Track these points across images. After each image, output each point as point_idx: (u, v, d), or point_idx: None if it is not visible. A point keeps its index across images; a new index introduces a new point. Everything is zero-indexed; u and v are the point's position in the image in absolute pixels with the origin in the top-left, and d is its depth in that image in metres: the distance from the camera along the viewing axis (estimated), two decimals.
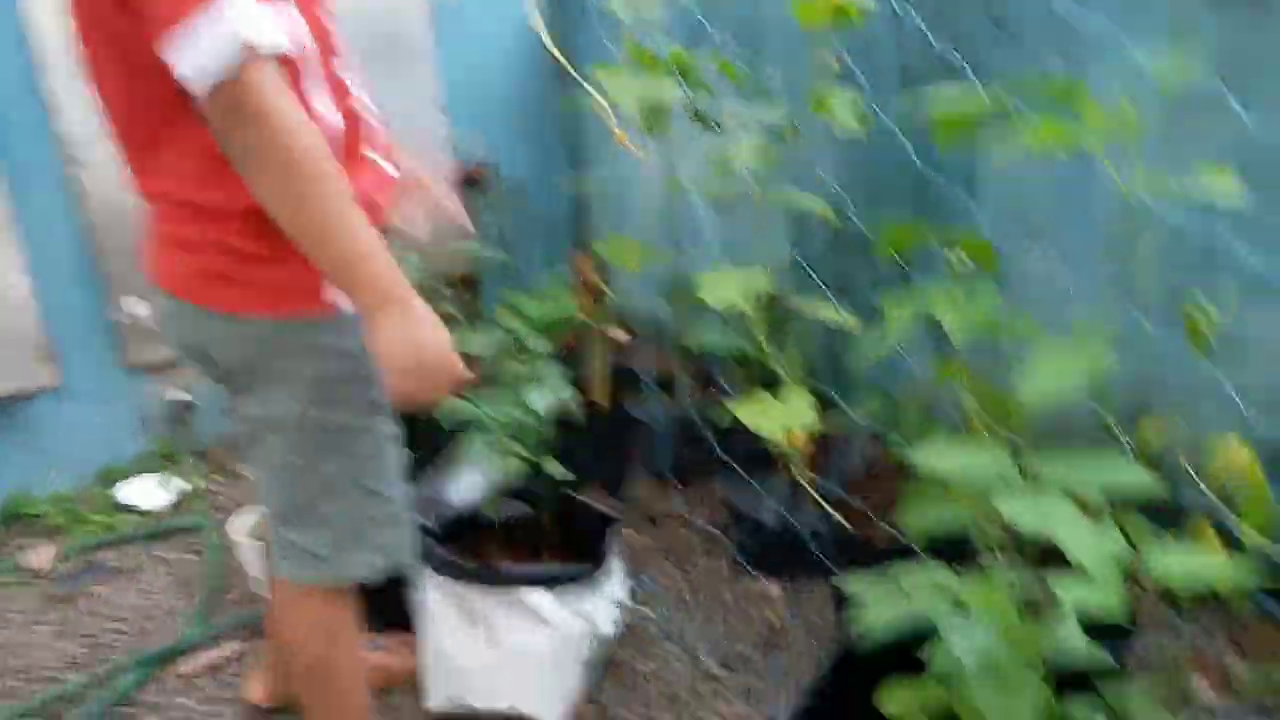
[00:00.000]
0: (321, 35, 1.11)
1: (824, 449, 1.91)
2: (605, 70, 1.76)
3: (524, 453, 1.51)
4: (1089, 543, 0.79)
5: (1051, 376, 1.03)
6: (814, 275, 1.78)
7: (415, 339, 1.04)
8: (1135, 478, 0.97)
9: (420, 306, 1.05)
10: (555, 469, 1.58)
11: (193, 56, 0.91)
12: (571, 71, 2.03)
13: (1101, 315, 1.13)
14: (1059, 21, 1.59)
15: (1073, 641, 0.80)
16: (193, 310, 1.15)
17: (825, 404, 1.82)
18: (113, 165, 1.17)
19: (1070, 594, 0.79)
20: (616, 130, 1.86)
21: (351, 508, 1.22)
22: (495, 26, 2.73)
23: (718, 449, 1.93)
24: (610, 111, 1.96)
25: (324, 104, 1.11)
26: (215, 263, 1.11)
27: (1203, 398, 1.46)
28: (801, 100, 1.66)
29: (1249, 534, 1.02)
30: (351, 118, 1.18)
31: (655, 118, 1.93)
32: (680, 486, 2.10)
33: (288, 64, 1.01)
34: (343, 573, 1.25)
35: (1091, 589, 0.74)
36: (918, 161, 1.67)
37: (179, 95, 0.95)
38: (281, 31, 0.96)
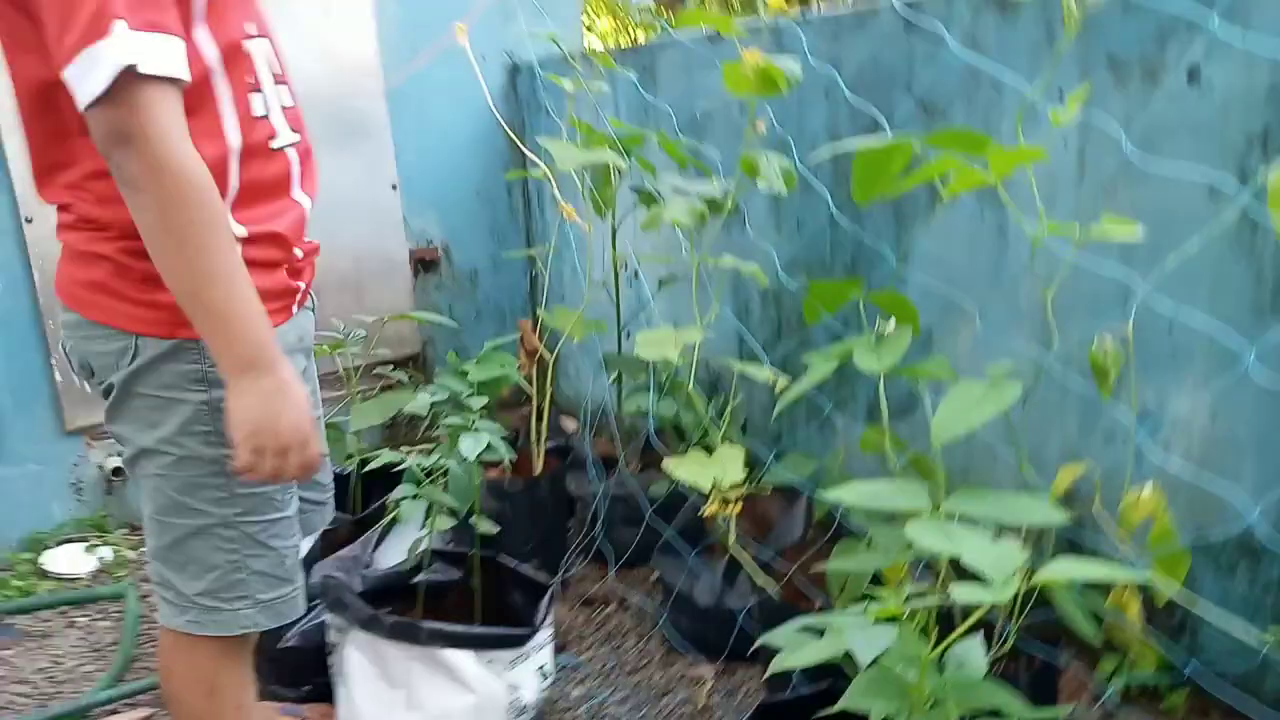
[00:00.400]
0: (242, 52, 1.10)
1: (762, 522, 1.91)
2: (551, 141, 1.81)
3: (454, 505, 1.49)
4: (990, 553, 0.80)
5: (963, 415, 1.05)
6: (750, 337, 1.81)
7: (272, 411, 1.00)
8: (1045, 516, 0.98)
9: (285, 377, 1.02)
10: (485, 525, 1.56)
11: (84, 78, 0.91)
12: (522, 146, 2.10)
13: (1018, 361, 1.16)
14: (977, 97, 1.68)
15: (972, 654, 0.79)
16: (83, 323, 1.11)
17: (758, 467, 1.84)
18: (47, 223, 1.17)
19: (968, 595, 0.79)
20: (563, 203, 1.91)
21: (229, 554, 1.15)
22: (451, 109, 2.80)
23: (654, 521, 1.92)
24: (557, 186, 2.01)
25: (235, 132, 1.08)
26: (104, 277, 1.08)
27: (1118, 442, 1.49)
28: (738, 173, 1.73)
29: (1160, 579, 1.03)
30: (289, 152, 1.17)
31: (601, 191, 1.99)
32: (617, 567, 2.07)
33: (189, 90, 0.99)
34: (218, 622, 1.16)
35: (988, 590, 0.74)
36: (844, 222, 1.72)
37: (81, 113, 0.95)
38: (174, 59, 0.95)
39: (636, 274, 2.48)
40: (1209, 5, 1.36)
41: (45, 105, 1.05)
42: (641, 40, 2.53)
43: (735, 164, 1.66)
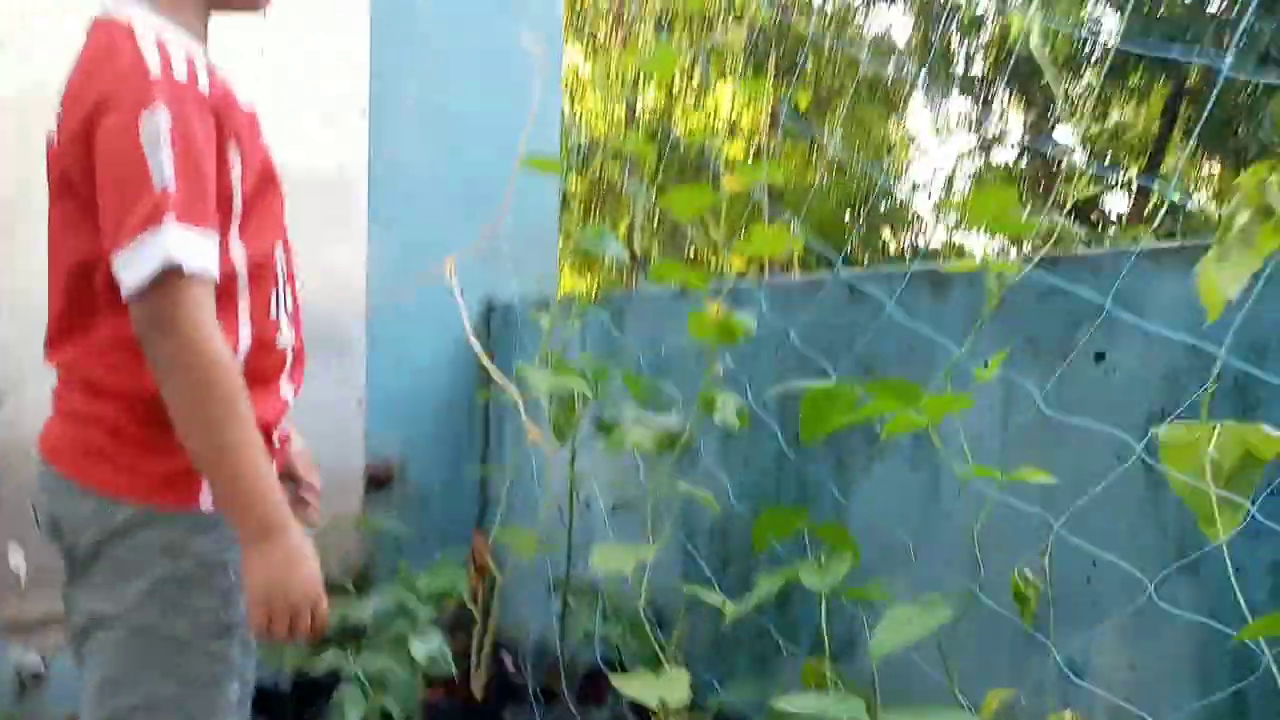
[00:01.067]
0: (269, 264, 1.22)
1: None
2: (527, 366, 1.96)
3: (395, 711, 1.48)
4: None
5: (898, 632, 1.14)
6: (701, 563, 1.88)
7: (287, 575, 1.07)
8: None
9: (296, 542, 1.09)
10: None
11: (131, 265, 1.02)
12: (494, 372, 2.23)
13: (949, 591, 1.25)
14: (911, 361, 1.87)
15: None
16: (59, 480, 1.15)
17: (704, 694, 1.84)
18: (11, 408, 1.24)
19: None
20: (530, 425, 2.02)
21: None
22: (427, 335, 2.96)
23: None
24: (524, 410, 2.14)
25: (247, 330, 1.18)
26: (97, 438, 1.13)
27: (1044, 671, 1.56)
28: (696, 409, 1.87)
29: None
30: (288, 349, 1.27)
31: (565, 418, 2.11)
32: None
33: (218, 288, 1.09)
34: None
35: None
36: (792, 458, 1.85)
37: (114, 288, 1.05)
38: (211, 257, 1.06)
39: (588, 505, 2.56)
40: (1114, 299, 1.58)
41: (81, 279, 1.15)
42: (614, 289, 2.77)
43: (693, 402, 1.81)
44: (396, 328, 2.93)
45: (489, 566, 2.07)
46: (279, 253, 1.27)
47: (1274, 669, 1.10)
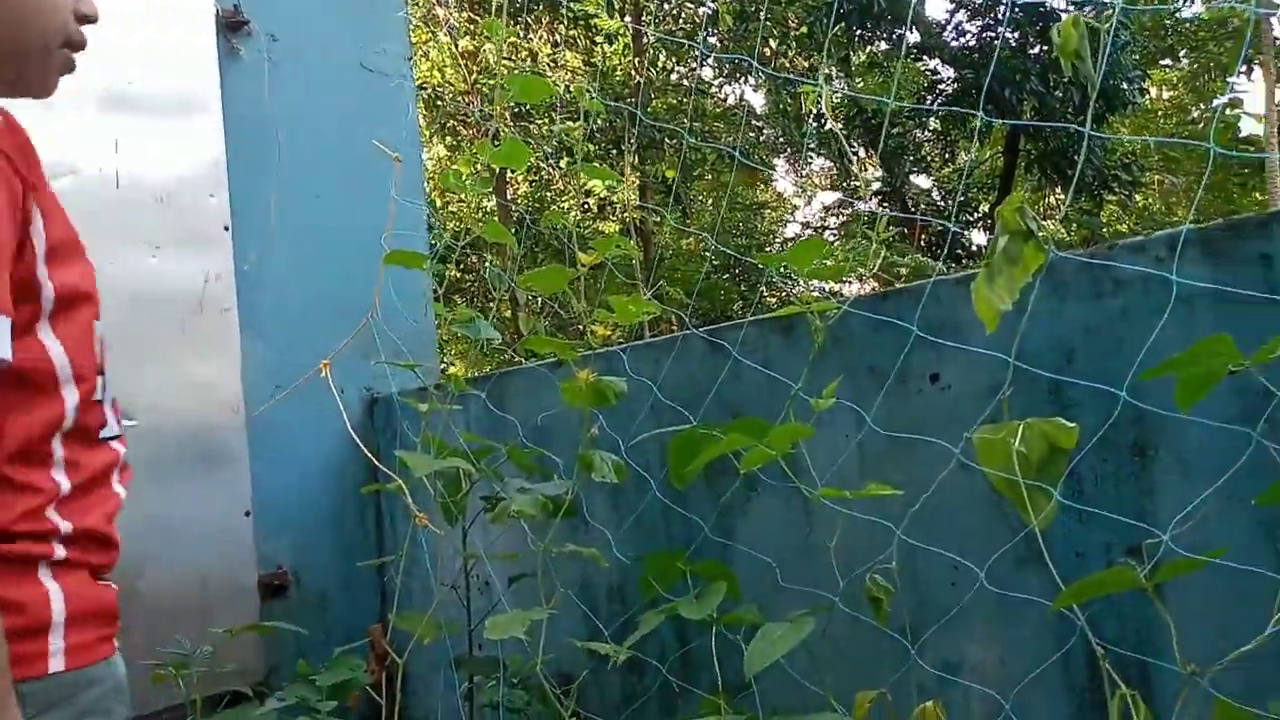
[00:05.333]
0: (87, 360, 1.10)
1: None
2: (406, 453, 2.00)
3: None
4: None
5: (769, 649, 1.23)
6: (599, 622, 1.93)
7: None
8: None
9: None
10: None
11: None
12: (378, 464, 2.27)
13: (819, 607, 1.35)
14: (771, 401, 1.99)
15: None
16: None
17: None
18: None
19: None
20: (416, 511, 2.06)
21: None
22: (310, 438, 2.97)
23: None
24: (410, 497, 2.17)
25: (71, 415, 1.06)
26: None
27: (921, 670, 1.66)
28: (577, 471, 1.95)
29: None
30: (113, 446, 1.16)
31: (452, 499, 2.16)
32: None
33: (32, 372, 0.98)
34: None
35: None
36: (676, 506, 1.94)
37: None
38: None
39: (487, 583, 2.59)
40: (939, 328, 1.75)
41: None
42: (491, 370, 2.84)
43: (575, 465, 1.89)
44: (279, 435, 2.93)
45: (388, 654, 2.08)
46: (98, 342, 1.15)
47: (1088, 632, 1.23)
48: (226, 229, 2.92)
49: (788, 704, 1.84)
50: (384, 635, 2.15)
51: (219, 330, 2.88)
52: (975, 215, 16.76)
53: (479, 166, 2.08)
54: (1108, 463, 1.58)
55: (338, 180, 3.16)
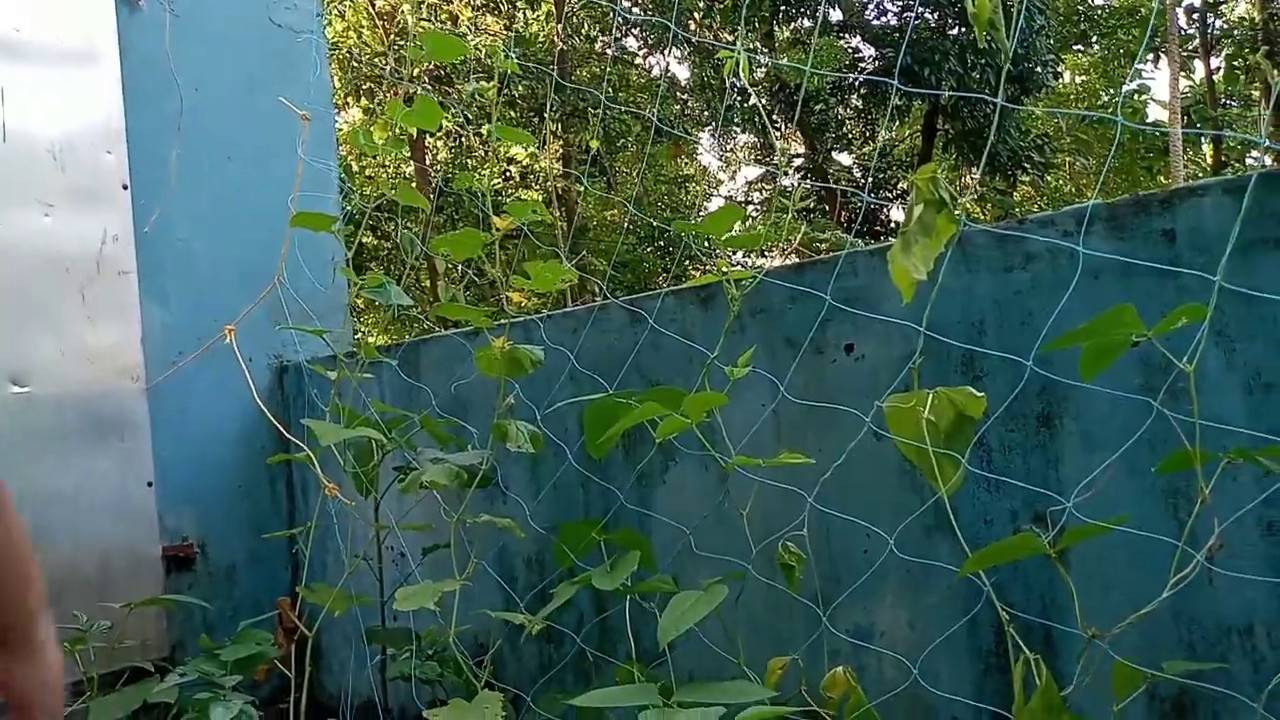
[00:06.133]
0: None
1: None
2: (314, 422, 1.94)
3: None
4: (702, 713, 0.94)
5: (682, 617, 1.22)
6: (514, 594, 1.91)
7: None
8: (756, 694, 1.14)
9: None
10: None
11: None
12: (287, 435, 2.21)
13: (735, 576, 1.35)
14: (689, 370, 1.99)
15: None
16: None
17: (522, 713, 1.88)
18: None
19: None
20: (325, 481, 2.01)
21: None
22: (215, 408, 2.87)
23: None
24: (320, 469, 2.11)
25: None
26: None
27: (834, 636, 1.69)
28: (492, 442, 1.92)
29: None
30: None
31: (363, 470, 2.11)
32: None
33: None
34: None
35: None
36: (595, 477, 1.92)
37: None
38: None
39: (403, 555, 2.55)
40: (855, 300, 1.75)
41: None
42: (406, 338, 2.78)
43: (490, 435, 1.86)
44: (183, 403, 2.82)
45: (297, 627, 2.03)
46: None
47: (994, 598, 1.26)
48: (125, 187, 2.79)
49: (702, 671, 1.85)
50: (293, 608, 2.10)
51: (117, 294, 2.75)
52: (894, 193, 17.08)
53: (395, 128, 2.01)
54: (1015, 433, 1.61)
55: (244, 139, 3.04)
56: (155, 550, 2.73)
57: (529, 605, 2.28)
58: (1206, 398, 1.29)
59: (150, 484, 2.74)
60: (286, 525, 2.98)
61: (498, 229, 1.87)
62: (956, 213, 1.17)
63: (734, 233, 1.53)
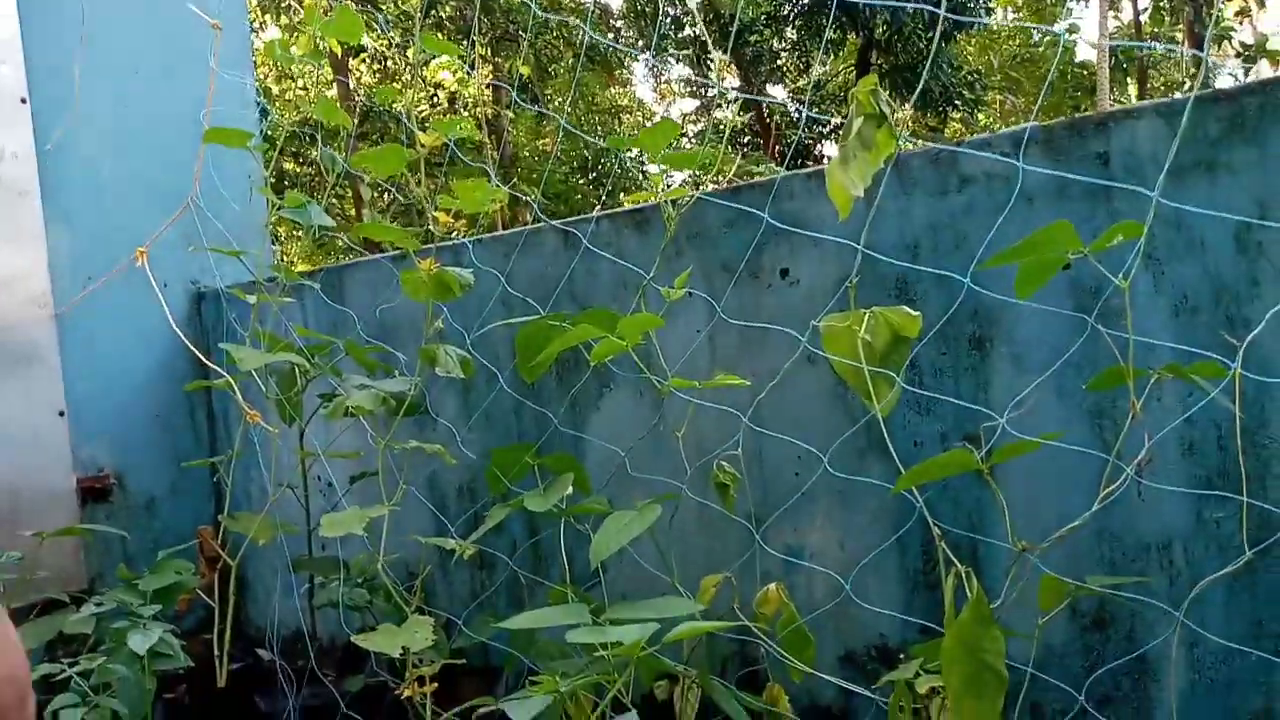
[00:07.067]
0: None
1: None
2: (233, 346, 1.87)
3: (122, 710, 1.40)
4: (629, 630, 0.92)
5: (615, 535, 1.21)
6: (446, 522, 1.88)
7: None
8: (686, 609, 1.13)
9: None
10: None
11: None
12: (206, 362, 2.12)
13: (671, 497, 1.34)
14: (623, 297, 1.96)
15: None
16: None
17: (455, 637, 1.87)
18: None
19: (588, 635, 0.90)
20: (246, 408, 1.94)
21: None
22: (130, 335, 2.75)
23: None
24: (240, 396, 2.04)
25: None
26: None
27: (767, 556, 1.71)
28: (421, 366, 1.87)
29: (791, 660, 1.20)
30: None
31: (287, 397, 2.04)
32: None
33: None
34: None
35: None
36: (529, 403, 1.89)
37: None
38: None
39: (330, 485, 2.49)
40: (790, 223, 1.73)
41: None
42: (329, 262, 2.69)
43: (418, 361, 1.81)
44: (95, 330, 2.70)
45: (221, 557, 1.98)
46: None
47: (925, 513, 1.27)
48: (24, 101, 2.61)
49: (637, 594, 1.85)
50: (215, 537, 2.04)
51: (19, 216, 2.59)
52: (828, 128, 17.08)
53: (316, 38, 1.91)
54: (946, 356, 1.62)
55: (153, 51, 2.87)
56: (69, 482, 2.63)
57: (461, 533, 2.25)
58: (1136, 320, 1.30)
59: (62, 413, 2.63)
60: (208, 455, 2.89)
61: (423, 145, 1.79)
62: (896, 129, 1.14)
63: (670, 150, 1.49)
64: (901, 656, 1.62)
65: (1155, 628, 1.45)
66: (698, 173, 1.74)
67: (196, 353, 2.15)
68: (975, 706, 0.98)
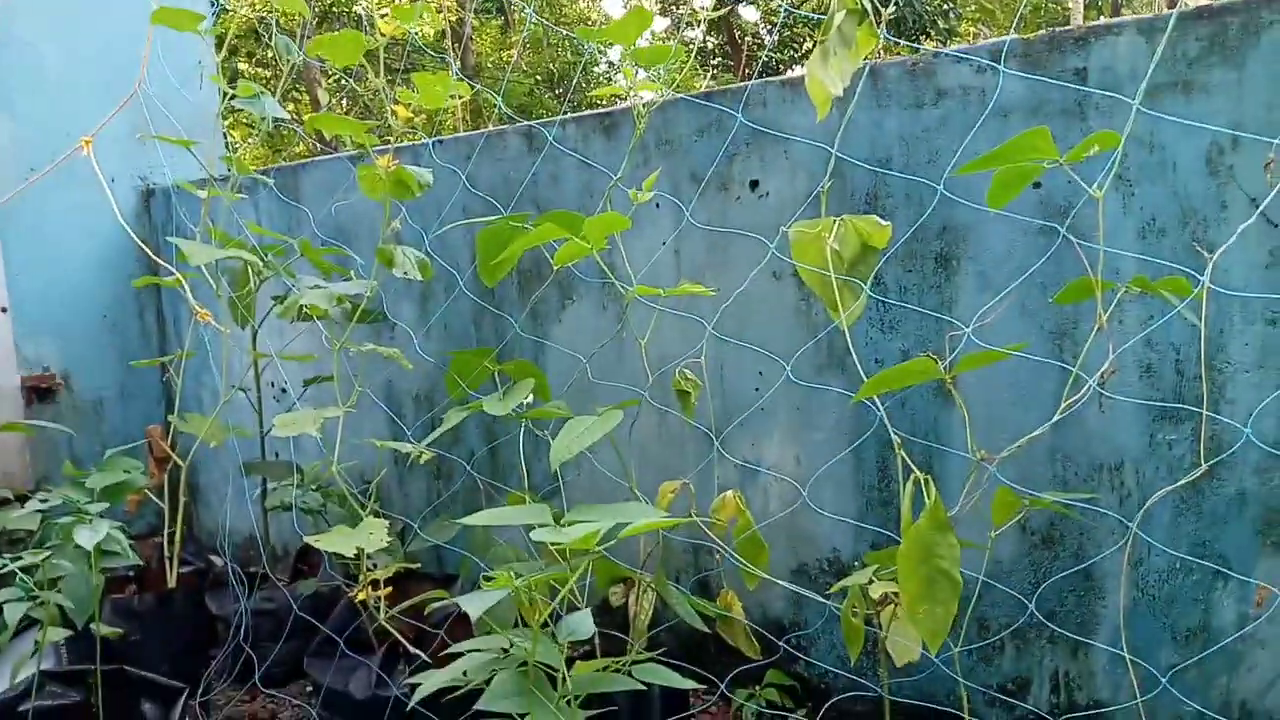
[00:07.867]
0: None
1: (419, 610, 1.92)
2: (182, 241, 1.80)
3: (68, 605, 1.37)
4: (584, 529, 0.91)
5: (576, 440, 1.19)
6: (400, 424, 1.86)
7: None
8: (644, 514, 1.12)
9: None
10: (105, 630, 1.44)
11: None
12: (156, 260, 2.04)
13: (627, 402, 1.32)
14: (589, 204, 1.92)
15: (583, 625, 0.88)
16: None
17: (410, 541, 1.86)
18: None
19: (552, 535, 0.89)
20: (197, 307, 1.88)
21: None
22: (75, 231, 2.66)
23: (305, 623, 1.86)
24: (191, 294, 1.98)
25: None
26: None
27: (725, 465, 1.71)
28: (378, 268, 1.82)
29: (746, 564, 1.20)
30: None
31: (239, 296, 1.98)
32: (261, 674, 1.96)
33: None
34: None
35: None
36: (489, 309, 1.85)
37: None
38: None
39: (284, 390, 2.45)
40: (764, 133, 1.69)
41: None
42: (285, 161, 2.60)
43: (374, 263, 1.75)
44: (39, 225, 2.60)
45: (170, 457, 1.94)
46: None
47: (885, 421, 1.26)
48: None
49: (596, 501, 1.85)
50: (165, 438, 2.00)
51: None
52: (799, 52, 16.79)
53: None
54: (912, 273, 1.61)
55: None
56: (13, 380, 2.56)
57: (419, 440, 2.23)
58: (1103, 242, 1.29)
59: (4, 309, 2.55)
60: (158, 355, 2.83)
61: (382, 34, 1.72)
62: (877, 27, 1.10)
63: (641, 45, 1.43)
64: (856, 564, 1.65)
65: (1103, 545, 1.47)
66: (667, 87, 1.69)
67: (145, 249, 2.07)
68: (930, 610, 0.99)
